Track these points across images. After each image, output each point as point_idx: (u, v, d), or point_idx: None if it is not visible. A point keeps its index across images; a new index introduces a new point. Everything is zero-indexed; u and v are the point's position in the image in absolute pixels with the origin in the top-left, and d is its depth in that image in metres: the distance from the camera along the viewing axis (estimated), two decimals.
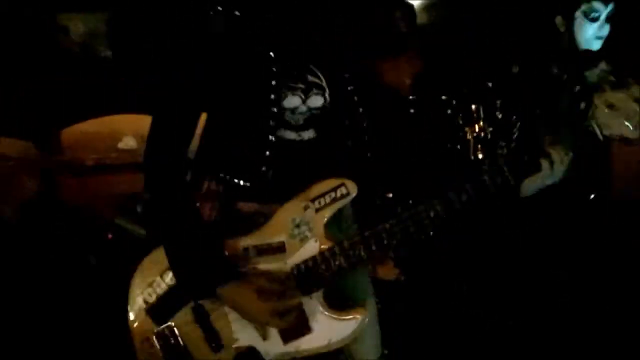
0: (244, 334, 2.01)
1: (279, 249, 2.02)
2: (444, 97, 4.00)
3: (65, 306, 4.06)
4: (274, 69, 2.08)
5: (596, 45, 3.09)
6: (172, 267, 2.00)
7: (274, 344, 2.02)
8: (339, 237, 2.07)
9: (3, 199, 5.66)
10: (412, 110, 4.01)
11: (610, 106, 2.07)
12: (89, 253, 4.65)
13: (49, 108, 6.43)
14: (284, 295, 2.03)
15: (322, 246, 2.04)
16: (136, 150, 8.95)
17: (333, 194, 2.02)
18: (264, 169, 2.07)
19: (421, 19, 6.71)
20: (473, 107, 3.97)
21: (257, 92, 2.06)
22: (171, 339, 1.99)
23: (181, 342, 1.99)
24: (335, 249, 2.03)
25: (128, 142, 9.38)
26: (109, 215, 5.18)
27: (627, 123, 2.09)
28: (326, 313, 2.04)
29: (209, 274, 1.97)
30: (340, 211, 2.06)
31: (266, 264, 2.01)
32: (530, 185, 2.38)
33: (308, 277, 2.04)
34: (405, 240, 2.08)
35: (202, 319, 2.00)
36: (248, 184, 2.07)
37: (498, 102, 3.93)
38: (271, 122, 2.06)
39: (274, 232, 2.02)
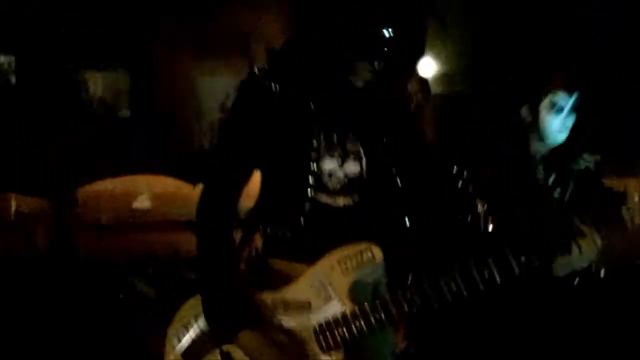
0: None
1: (305, 307, 2.06)
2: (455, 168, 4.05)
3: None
4: (317, 131, 2.17)
5: (561, 137, 2.93)
6: (203, 309, 2.09)
7: None
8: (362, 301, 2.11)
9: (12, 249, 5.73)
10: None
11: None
12: (102, 311, 4.68)
13: (66, 166, 6.53)
14: (303, 354, 2.06)
15: (345, 308, 2.06)
16: (150, 210, 9.07)
17: (359, 257, 2.07)
18: (302, 221, 2.12)
19: (435, 89, 6.88)
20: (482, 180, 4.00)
21: (300, 149, 2.15)
22: None
23: None
24: (356, 311, 2.05)
25: (143, 202, 9.47)
26: (121, 275, 5.23)
27: None
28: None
29: (234, 319, 2.04)
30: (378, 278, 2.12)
31: (291, 320, 2.07)
32: (563, 267, 2.34)
33: (329, 337, 2.07)
34: (424, 310, 2.11)
35: None
36: (288, 234, 2.12)
37: None
38: (310, 180, 2.13)
39: (302, 289, 2.07)
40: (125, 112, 7.68)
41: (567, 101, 2.90)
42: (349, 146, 2.21)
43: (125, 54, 7.53)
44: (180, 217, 7.94)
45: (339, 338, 2.05)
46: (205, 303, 2.08)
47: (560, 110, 2.90)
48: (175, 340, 2.13)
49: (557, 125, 2.92)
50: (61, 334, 4.42)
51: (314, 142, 2.14)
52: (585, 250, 2.30)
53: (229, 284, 2.05)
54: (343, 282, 2.06)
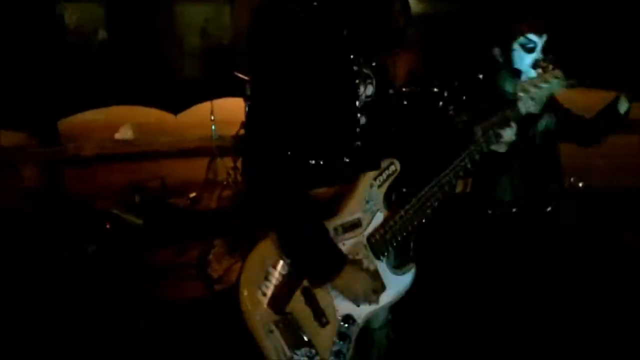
0: (342, 306, 2.20)
1: (357, 225, 2.20)
2: (435, 90, 4.09)
3: (65, 295, 4.13)
4: (352, 57, 2.21)
5: (533, 73, 3.08)
6: (295, 256, 2.11)
7: (362, 307, 2.23)
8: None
9: (3, 189, 5.74)
10: (405, 102, 4.08)
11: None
12: (88, 242, 4.72)
13: (46, 99, 6.47)
14: (376, 275, 2.23)
15: (386, 215, 2.24)
16: (133, 140, 9.05)
17: (387, 172, 2.25)
18: (358, 143, 2.20)
19: (415, 9, 6.79)
20: (463, 98, 4.04)
21: (345, 76, 2.17)
22: (290, 323, 2.13)
23: (298, 325, 2.15)
24: (395, 216, 2.23)
25: (125, 133, 9.45)
26: (107, 205, 5.26)
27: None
28: (393, 271, 2.28)
29: (330, 259, 2.12)
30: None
31: (350, 239, 2.20)
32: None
33: (378, 244, 2.23)
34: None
35: (311, 300, 2.14)
36: (348, 159, 2.20)
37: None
38: (357, 103, 2.20)
39: (352, 210, 2.20)
40: (103, 43, 7.57)
41: (537, 41, 3.06)
42: (366, 70, 2.27)
43: None
44: (163, 147, 7.98)
45: (385, 243, 2.23)
46: (297, 252, 2.11)
47: (532, 50, 3.06)
48: (259, 294, 2.11)
49: (529, 61, 3.06)
50: (54, 268, 4.47)
51: (354, 67, 2.19)
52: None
53: (319, 235, 2.11)
54: (380, 195, 2.24)
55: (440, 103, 4.09)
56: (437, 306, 3.71)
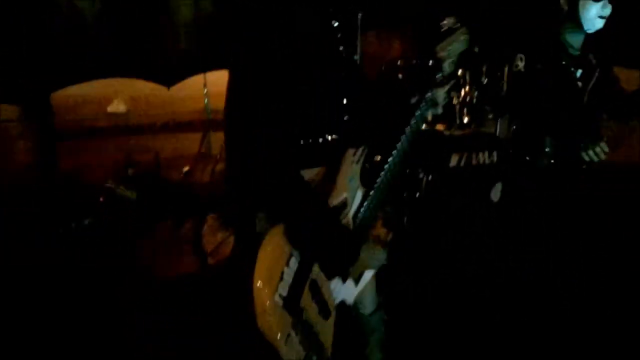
0: (338, 293, 2.19)
1: (345, 205, 2.17)
2: (431, 63, 4.06)
3: (61, 271, 4.13)
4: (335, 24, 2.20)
5: (598, 24, 3.15)
6: (312, 248, 2.06)
7: (352, 289, 2.25)
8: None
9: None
10: (400, 76, 4.06)
11: None
12: (83, 214, 4.70)
13: (38, 72, 6.41)
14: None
15: (363, 192, 2.23)
16: (125, 113, 9.00)
17: (363, 149, 2.22)
18: (345, 117, 2.20)
19: None
20: (459, 72, 4.04)
21: (341, 62, 2.19)
22: (305, 325, 2.06)
23: (310, 324, 2.08)
24: (371, 192, 2.21)
25: (118, 106, 9.39)
26: (101, 179, 5.23)
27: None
28: (371, 247, 2.26)
29: (347, 243, 2.12)
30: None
31: (341, 221, 2.18)
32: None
33: (361, 222, 2.21)
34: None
35: (317, 293, 2.09)
36: (336, 136, 2.19)
37: (484, 67, 4.01)
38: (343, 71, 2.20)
39: (340, 191, 2.17)
40: (95, 16, 7.49)
41: None
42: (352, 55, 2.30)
43: None
44: (157, 120, 7.93)
45: (364, 218, 2.21)
46: (320, 246, 2.07)
47: None
48: (277, 297, 2.01)
49: (595, 11, 3.11)
50: (50, 242, 4.46)
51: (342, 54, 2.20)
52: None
53: (333, 222, 2.10)
54: (358, 172, 2.22)
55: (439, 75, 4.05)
56: (434, 281, 3.72)
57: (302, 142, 2.10)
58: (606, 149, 3.22)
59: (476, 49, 4.14)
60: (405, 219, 4.08)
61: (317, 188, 2.13)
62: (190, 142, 6.17)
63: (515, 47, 3.28)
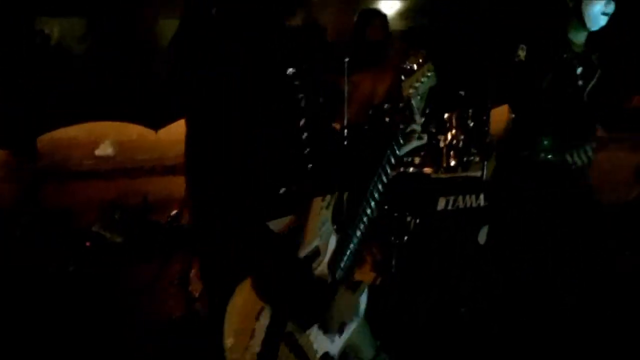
0: (320, 344, 2.12)
1: (317, 254, 2.10)
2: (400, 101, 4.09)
3: (45, 312, 4.07)
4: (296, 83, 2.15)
5: (602, 22, 3.24)
6: (283, 301, 2.00)
7: (336, 340, 2.17)
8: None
9: None
10: (387, 119, 4.07)
11: None
12: (68, 260, 4.66)
13: (26, 115, 6.41)
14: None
15: (337, 237, 2.15)
16: (113, 157, 8.99)
17: (323, 190, 2.15)
18: (309, 166, 2.14)
19: (395, 26, 6.81)
20: (445, 115, 4.07)
21: (285, 95, 2.11)
22: None
23: None
24: (345, 237, 2.15)
25: (105, 149, 9.37)
26: (87, 223, 5.20)
27: None
28: (351, 295, 2.21)
29: (319, 295, 2.06)
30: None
31: (315, 271, 2.10)
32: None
33: (337, 268, 2.13)
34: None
35: (294, 346, 2.03)
36: (301, 185, 2.13)
37: (470, 110, 4.04)
38: (301, 122, 2.15)
39: (310, 240, 2.10)
40: (84, 59, 7.52)
41: None
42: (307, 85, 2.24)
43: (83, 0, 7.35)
44: (145, 163, 7.92)
45: (340, 264, 2.14)
46: (291, 300, 2.01)
47: None
48: (249, 356, 1.96)
49: (598, 8, 3.18)
50: (33, 286, 4.41)
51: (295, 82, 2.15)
52: None
53: (304, 273, 2.04)
54: (329, 217, 2.14)
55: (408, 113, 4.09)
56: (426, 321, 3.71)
57: (267, 192, 2.04)
58: (590, 153, 3.28)
59: (462, 93, 4.17)
60: (393, 262, 4.07)
61: (285, 239, 2.06)
62: (178, 186, 6.14)
63: (517, 40, 3.33)
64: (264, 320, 1.99)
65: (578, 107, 3.29)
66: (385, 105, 2.31)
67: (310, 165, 2.14)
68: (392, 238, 4.09)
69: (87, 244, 4.90)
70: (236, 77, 1.97)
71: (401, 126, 2.19)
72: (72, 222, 5.41)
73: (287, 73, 2.12)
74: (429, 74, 2.26)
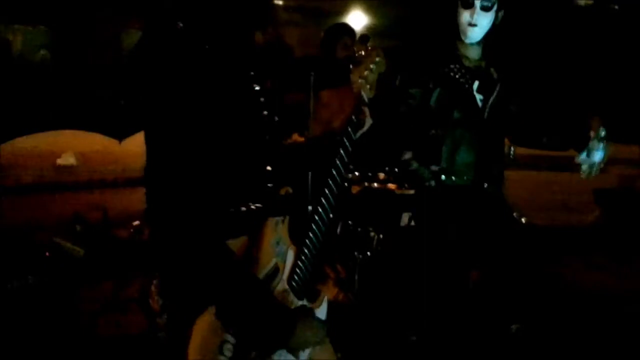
0: None
1: (276, 272, 2.06)
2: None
3: (6, 325, 3.99)
4: (257, 88, 2.11)
5: (472, 33, 3.22)
6: (245, 328, 1.94)
7: (300, 356, 2.10)
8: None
9: None
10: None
11: None
12: (27, 272, 4.57)
13: None
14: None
15: (294, 251, 2.11)
16: (75, 167, 8.88)
17: (282, 208, 2.10)
18: (269, 185, 2.08)
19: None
20: None
21: (250, 112, 2.08)
22: None
23: None
24: (302, 249, 2.10)
25: (67, 159, 9.26)
26: (48, 234, 5.12)
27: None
28: (313, 309, 2.16)
29: (281, 318, 1.99)
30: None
31: (276, 289, 2.05)
32: None
33: (297, 284, 2.10)
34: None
35: None
36: (260, 204, 2.07)
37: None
38: (266, 136, 2.11)
39: (268, 258, 2.05)
40: (46, 67, 7.44)
41: None
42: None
43: (47, 9, 7.27)
44: (107, 175, 7.83)
45: (300, 279, 2.10)
46: (253, 326, 1.94)
47: (468, 4, 3.15)
48: None
49: (465, 19, 3.16)
50: None
51: (262, 99, 2.12)
52: None
53: (265, 297, 1.98)
54: (285, 232, 2.10)
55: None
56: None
57: (224, 211, 1.98)
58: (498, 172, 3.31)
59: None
60: (356, 277, 4.08)
61: (243, 259, 2.01)
62: (141, 198, 6.09)
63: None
64: (228, 352, 1.94)
65: (479, 124, 3.25)
66: (354, 118, 2.28)
67: (269, 185, 2.09)
68: (356, 253, 4.10)
69: (47, 254, 4.81)
70: (201, 91, 1.93)
71: (352, 118, 2.15)
72: (32, 234, 5.33)
73: (253, 89, 2.09)
74: (377, 60, 2.20)
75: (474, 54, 3.27)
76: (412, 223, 4.16)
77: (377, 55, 2.21)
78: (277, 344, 2.00)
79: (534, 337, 3.57)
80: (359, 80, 2.17)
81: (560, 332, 3.92)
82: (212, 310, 1.92)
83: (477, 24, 3.17)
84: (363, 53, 2.21)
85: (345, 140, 2.15)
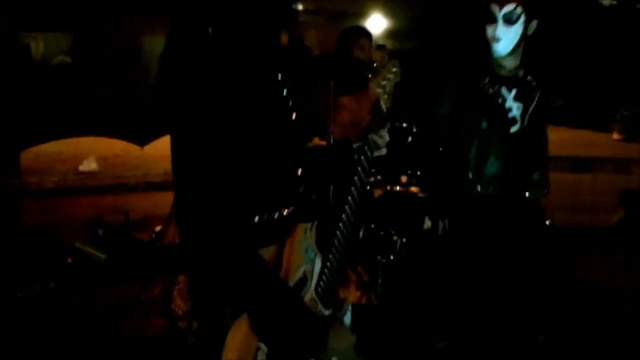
0: None
1: (305, 280, 2.07)
2: (404, 125, 4.10)
3: (26, 329, 4.00)
4: (285, 94, 2.12)
5: (497, 47, 3.18)
6: (279, 339, 1.94)
7: None
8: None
9: None
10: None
11: None
12: (49, 277, 4.59)
13: (9, 130, 6.35)
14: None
15: (321, 259, 2.12)
16: (97, 172, 8.93)
17: (313, 213, 2.12)
18: (300, 189, 2.09)
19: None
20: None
21: (280, 116, 2.08)
22: None
23: None
24: (329, 257, 2.11)
25: (89, 165, 9.31)
26: (69, 239, 5.14)
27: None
28: (338, 331, 2.14)
29: (314, 329, 2.01)
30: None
31: (304, 297, 2.06)
32: None
33: (324, 292, 2.10)
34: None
35: None
36: (291, 210, 2.06)
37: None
38: (295, 140, 2.11)
39: (297, 266, 2.06)
40: (68, 73, 7.49)
41: (497, 13, 3.10)
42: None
43: (67, 15, 7.32)
44: (129, 180, 7.86)
45: (327, 287, 2.10)
46: (288, 336, 1.94)
47: (493, 20, 3.12)
48: None
49: (489, 33, 3.14)
50: (15, 304, 4.34)
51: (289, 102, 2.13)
52: None
53: (297, 308, 1.99)
54: (313, 240, 2.10)
55: (409, 139, 4.09)
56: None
57: (257, 218, 1.96)
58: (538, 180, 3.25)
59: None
60: (379, 282, 4.04)
61: (274, 268, 2.01)
62: (163, 202, 6.10)
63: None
64: (264, 349, 1.94)
65: (516, 132, 3.21)
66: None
67: (301, 189, 2.08)
68: (378, 257, 4.07)
69: (69, 260, 4.83)
70: (231, 95, 1.92)
71: (373, 129, 2.15)
72: (55, 239, 5.35)
73: (282, 92, 2.09)
74: (394, 70, 2.21)
75: (509, 63, 3.24)
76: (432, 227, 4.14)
77: (394, 66, 2.22)
78: (309, 354, 1.99)
79: (559, 341, 3.52)
80: (378, 90, 2.18)
81: (585, 333, 3.87)
82: (244, 319, 1.93)
83: (502, 38, 3.14)
84: (380, 63, 2.21)
85: (367, 149, 2.14)
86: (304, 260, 2.07)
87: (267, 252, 2.00)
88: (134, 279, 4.74)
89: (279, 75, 2.09)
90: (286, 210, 2.03)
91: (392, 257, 4.07)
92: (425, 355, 3.63)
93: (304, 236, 2.08)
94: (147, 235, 5.76)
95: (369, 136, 2.14)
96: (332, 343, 2.02)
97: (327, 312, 2.11)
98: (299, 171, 2.09)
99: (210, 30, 1.96)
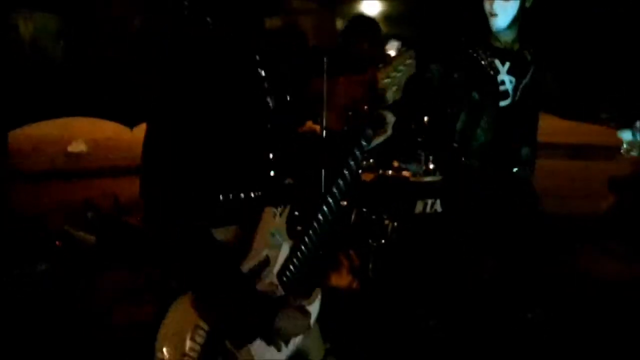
0: (263, 356, 2.00)
1: (267, 263, 2.00)
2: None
3: (16, 313, 3.98)
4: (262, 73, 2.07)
5: (494, 21, 3.23)
6: (221, 316, 1.89)
7: (283, 352, 2.04)
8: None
9: None
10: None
11: None
12: (38, 260, 4.56)
13: None
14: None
15: (291, 245, 2.05)
16: (86, 154, 8.88)
17: (284, 198, 2.06)
18: (272, 173, 2.04)
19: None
20: (425, 119, 4.05)
21: (253, 97, 2.02)
22: None
23: None
24: (300, 245, 2.04)
25: (78, 146, 9.26)
26: (59, 222, 5.11)
27: None
28: (303, 305, 2.08)
29: (262, 309, 1.93)
30: None
31: (263, 280, 1.99)
32: None
33: (288, 279, 2.04)
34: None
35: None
36: (259, 193, 2.03)
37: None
38: (270, 123, 2.06)
39: (259, 248, 1.99)
40: (58, 54, 7.43)
41: None
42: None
43: None
44: (119, 162, 7.82)
45: (292, 274, 2.04)
46: (232, 315, 1.89)
47: None
48: None
49: (486, 8, 3.18)
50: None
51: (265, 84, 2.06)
52: None
53: (246, 287, 1.92)
54: (283, 224, 2.05)
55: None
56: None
57: (221, 197, 1.94)
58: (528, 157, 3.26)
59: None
60: (371, 266, 4.04)
61: (230, 249, 1.96)
62: None
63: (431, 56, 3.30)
64: (199, 338, 1.89)
65: (507, 106, 3.25)
66: (365, 108, 2.22)
67: (272, 172, 2.05)
68: (370, 241, 4.07)
69: (58, 243, 4.80)
70: (205, 73, 1.91)
71: (372, 117, 2.09)
72: (43, 221, 5.32)
73: (258, 74, 2.05)
74: (408, 62, 2.12)
75: (506, 36, 3.27)
76: (429, 210, 4.15)
77: (409, 58, 2.13)
78: (253, 334, 1.95)
79: (549, 324, 3.54)
80: (385, 80, 2.09)
81: (575, 319, 3.89)
82: (189, 295, 1.88)
83: (498, 13, 3.18)
84: (393, 52, 2.15)
85: (363, 140, 2.08)
86: (270, 244, 2.01)
87: (227, 232, 1.96)
88: (124, 264, 4.73)
89: (256, 56, 2.05)
90: (254, 193, 2.00)
91: (383, 241, 4.07)
92: (415, 333, 3.64)
93: (272, 220, 2.02)
94: (136, 219, 5.74)
95: (365, 131, 2.07)
96: (280, 324, 1.94)
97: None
98: (271, 155, 2.05)
99: (209, 19, 1.96)
